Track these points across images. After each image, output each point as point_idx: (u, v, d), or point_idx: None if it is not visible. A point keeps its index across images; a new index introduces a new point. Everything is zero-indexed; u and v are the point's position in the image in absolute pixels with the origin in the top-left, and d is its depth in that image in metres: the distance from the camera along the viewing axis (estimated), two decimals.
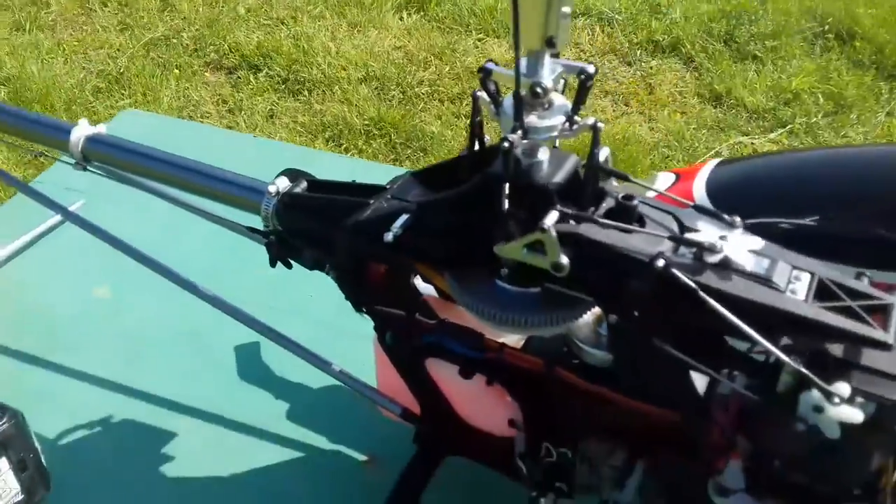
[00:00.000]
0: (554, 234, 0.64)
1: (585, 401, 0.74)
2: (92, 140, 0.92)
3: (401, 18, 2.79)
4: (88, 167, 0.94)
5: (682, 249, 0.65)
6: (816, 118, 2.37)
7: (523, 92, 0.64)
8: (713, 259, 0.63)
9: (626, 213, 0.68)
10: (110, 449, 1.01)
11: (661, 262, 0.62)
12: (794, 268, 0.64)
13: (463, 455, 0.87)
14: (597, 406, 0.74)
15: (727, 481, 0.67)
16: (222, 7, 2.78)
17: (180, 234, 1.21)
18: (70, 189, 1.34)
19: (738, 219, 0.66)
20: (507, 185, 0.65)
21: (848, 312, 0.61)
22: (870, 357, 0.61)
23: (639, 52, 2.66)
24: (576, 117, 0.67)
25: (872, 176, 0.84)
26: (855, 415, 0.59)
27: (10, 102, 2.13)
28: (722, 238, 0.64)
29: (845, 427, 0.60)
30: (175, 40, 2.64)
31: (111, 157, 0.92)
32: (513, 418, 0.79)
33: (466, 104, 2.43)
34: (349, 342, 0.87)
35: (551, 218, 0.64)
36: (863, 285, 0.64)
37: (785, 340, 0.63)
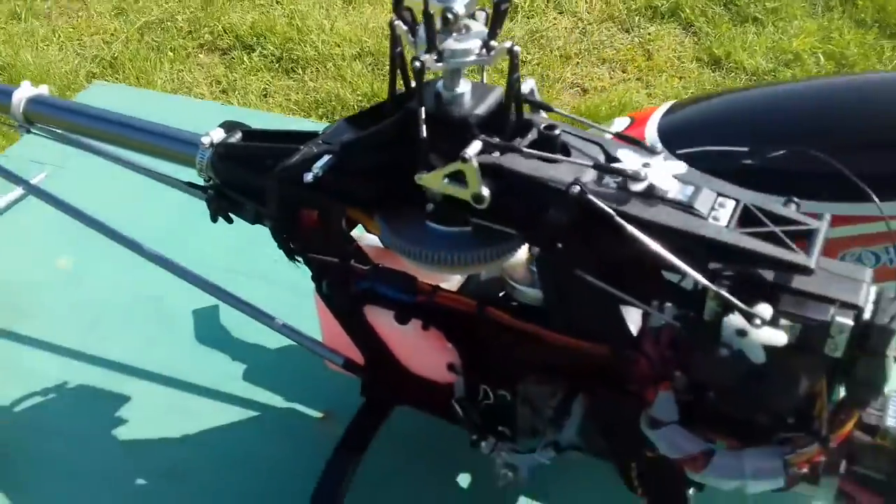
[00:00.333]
0: (475, 163, 0.63)
1: (520, 341, 0.73)
2: (33, 101, 0.92)
3: None
4: (32, 129, 0.94)
5: (605, 178, 0.63)
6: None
7: (437, 17, 0.63)
8: (636, 187, 0.61)
9: (549, 144, 0.66)
10: (69, 414, 1.01)
11: (576, 189, 0.60)
12: (720, 195, 0.62)
13: (408, 404, 0.86)
14: (531, 345, 0.72)
15: (657, 413, 0.66)
16: None
17: (144, 202, 1.21)
18: (36, 162, 1.35)
19: (660, 146, 0.64)
20: (423, 109, 0.64)
21: (771, 238, 0.59)
22: (796, 281, 0.59)
23: (637, 19, 2.61)
24: (492, 42, 0.65)
25: (812, 109, 0.82)
26: (778, 337, 0.57)
27: None
28: (645, 165, 0.62)
29: (771, 351, 0.58)
30: (170, 23, 2.65)
31: (51, 118, 0.92)
32: (452, 363, 0.78)
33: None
34: (311, 302, 0.86)
35: (473, 148, 0.63)
36: (789, 211, 0.62)
37: (713, 267, 0.61)
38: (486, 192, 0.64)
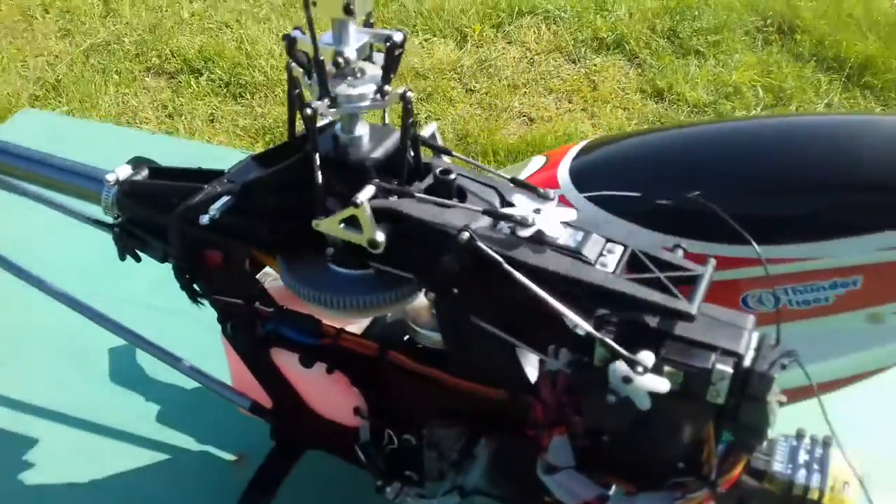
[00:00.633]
0: (368, 208, 0.63)
1: (422, 385, 0.73)
2: None
3: None
4: None
5: (499, 224, 0.64)
6: (756, 110, 2.37)
7: (329, 62, 0.63)
8: (525, 233, 0.62)
9: (445, 188, 0.66)
10: None
11: (465, 236, 0.61)
12: (609, 240, 0.63)
13: (318, 447, 0.85)
14: (433, 390, 0.72)
15: (552, 458, 0.66)
16: (166, 11, 2.76)
17: (61, 234, 1.18)
18: None
19: (552, 192, 0.65)
20: (317, 156, 0.64)
21: (655, 284, 0.60)
22: (680, 327, 0.60)
23: (584, 50, 2.66)
24: (387, 87, 0.65)
25: (716, 152, 0.84)
26: (661, 384, 0.58)
27: None
28: (536, 211, 0.63)
29: (656, 397, 0.58)
30: (116, 46, 2.62)
31: None
32: (358, 406, 0.77)
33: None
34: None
35: (365, 193, 0.63)
36: (675, 257, 0.63)
37: (601, 313, 0.62)
38: (380, 237, 0.64)
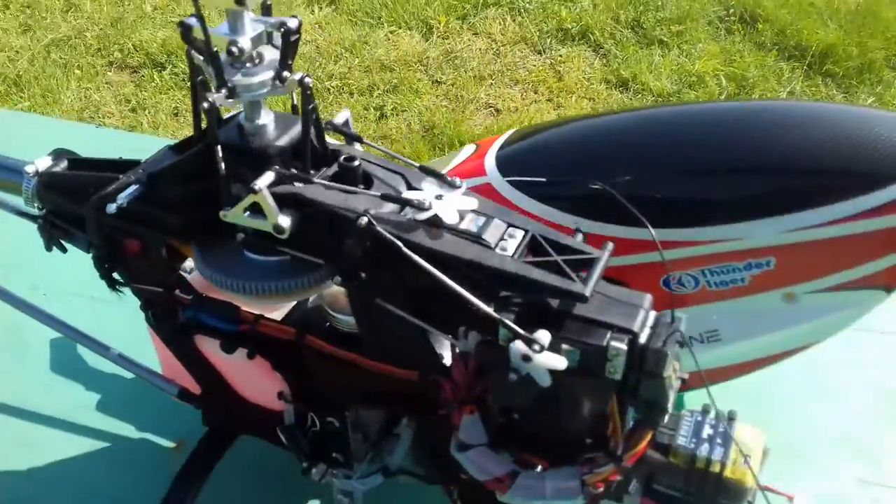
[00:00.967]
0: (268, 195, 0.63)
1: (340, 368, 0.73)
2: None
3: (312, 12, 2.77)
4: None
5: (402, 209, 0.64)
6: (720, 99, 2.38)
7: (223, 52, 0.63)
8: (422, 216, 0.62)
9: (349, 174, 0.67)
10: None
11: (364, 220, 0.61)
12: (511, 225, 0.64)
13: (247, 432, 0.86)
14: (352, 373, 0.73)
15: (464, 436, 0.67)
16: (127, 5, 2.75)
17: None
18: None
19: (458, 179, 0.66)
20: (219, 147, 0.64)
21: (553, 267, 0.61)
22: (579, 308, 0.61)
23: (549, 41, 2.66)
24: (285, 73, 0.65)
25: (635, 138, 0.85)
26: (558, 361, 0.59)
27: None
28: (438, 197, 0.64)
29: (556, 375, 0.59)
30: (78, 40, 2.60)
31: None
32: (281, 391, 0.78)
33: (376, 96, 2.42)
34: None
35: (264, 179, 0.63)
36: (574, 241, 0.64)
37: (504, 295, 0.63)
38: (285, 222, 0.64)
